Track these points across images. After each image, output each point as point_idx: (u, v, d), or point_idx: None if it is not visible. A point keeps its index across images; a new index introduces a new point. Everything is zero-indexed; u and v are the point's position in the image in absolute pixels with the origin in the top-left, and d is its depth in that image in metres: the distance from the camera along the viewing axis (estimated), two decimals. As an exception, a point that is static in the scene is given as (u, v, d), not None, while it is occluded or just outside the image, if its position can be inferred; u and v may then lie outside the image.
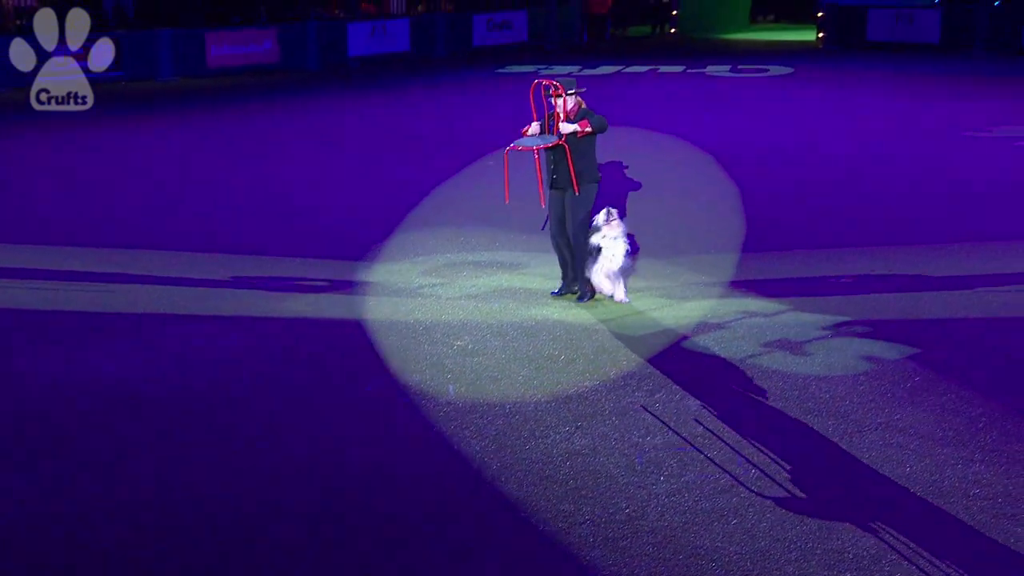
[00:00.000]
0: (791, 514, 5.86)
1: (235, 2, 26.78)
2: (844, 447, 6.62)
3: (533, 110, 9.27)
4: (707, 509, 5.93)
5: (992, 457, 6.46)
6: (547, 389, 7.50)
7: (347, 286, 9.81)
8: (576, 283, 9.30)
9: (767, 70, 24.33)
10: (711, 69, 24.59)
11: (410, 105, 20.60)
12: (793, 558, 5.47)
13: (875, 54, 26.54)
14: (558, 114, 9.03)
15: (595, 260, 9.10)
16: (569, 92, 9.02)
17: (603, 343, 8.34)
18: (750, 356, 8.02)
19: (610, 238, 9.03)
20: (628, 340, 8.37)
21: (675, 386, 7.51)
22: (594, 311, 9.01)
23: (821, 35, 28.85)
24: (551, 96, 9.06)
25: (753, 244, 10.86)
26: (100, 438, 6.86)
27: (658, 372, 7.76)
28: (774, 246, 10.79)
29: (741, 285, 9.60)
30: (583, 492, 6.13)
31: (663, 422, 6.97)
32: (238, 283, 9.92)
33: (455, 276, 10.04)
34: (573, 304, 9.17)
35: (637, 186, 12.82)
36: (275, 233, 11.67)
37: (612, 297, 9.16)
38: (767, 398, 7.32)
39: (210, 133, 17.84)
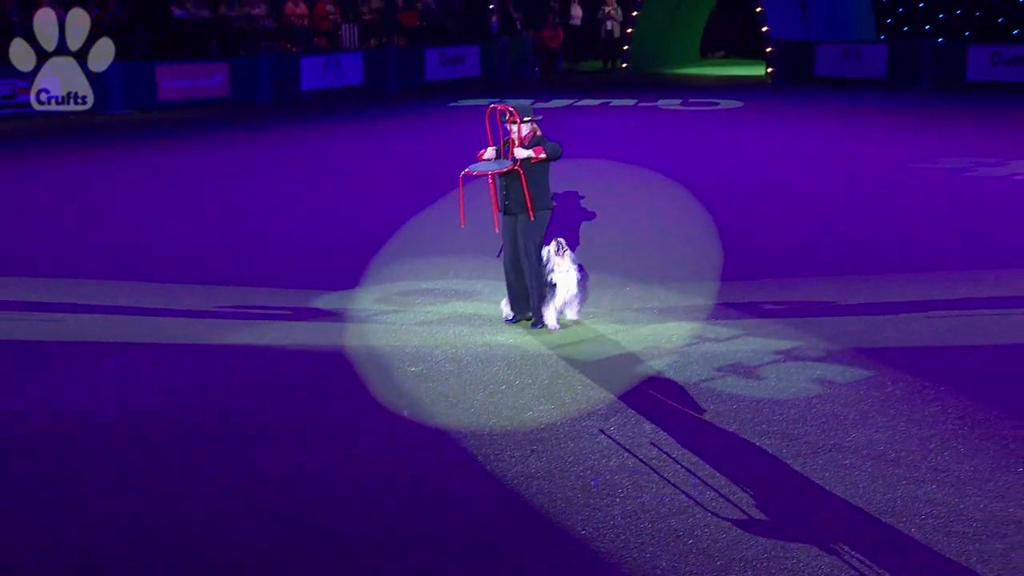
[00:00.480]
0: (746, 534, 5.89)
1: (186, 37, 26.72)
2: (797, 468, 6.66)
3: (489, 135, 9.29)
4: (663, 530, 5.94)
5: (942, 477, 6.53)
6: (502, 414, 7.50)
7: (300, 314, 9.77)
8: (528, 309, 9.32)
9: (718, 103, 24.58)
10: (663, 103, 24.80)
11: (364, 136, 20.62)
12: (748, 577, 5.50)
13: (824, 88, 26.89)
14: (513, 140, 9.06)
15: (552, 296, 9.11)
16: (524, 119, 9.05)
17: (557, 369, 8.35)
18: (704, 380, 8.06)
19: (562, 271, 9.06)
20: (582, 365, 8.39)
21: (630, 410, 7.54)
22: (548, 338, 9.02)
23: (770, 70, 29.18)
24: (506, 122, 9.08)
25: (706, 272, 10.92)
26: (46, 465, 6.78)
27: (613, 396, 7.78)
28: (727, 274, 10.86)
29: (694, 311, 9.65)
30: (539, 514, 6.12)
31: (619, 445, 6.98)
32: (191, 312, 9.85)
33: (409, 303, 10.03)
34: (527, 331, 9.18)
35: (591, 215, 12.88)
36: (229, 262, 11.62)
37: (559, 326, 9.16)
38: (721, 421, 7.36)
39: (161, 164, 17.75)
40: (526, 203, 8.97)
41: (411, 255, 11.68)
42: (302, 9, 28.72)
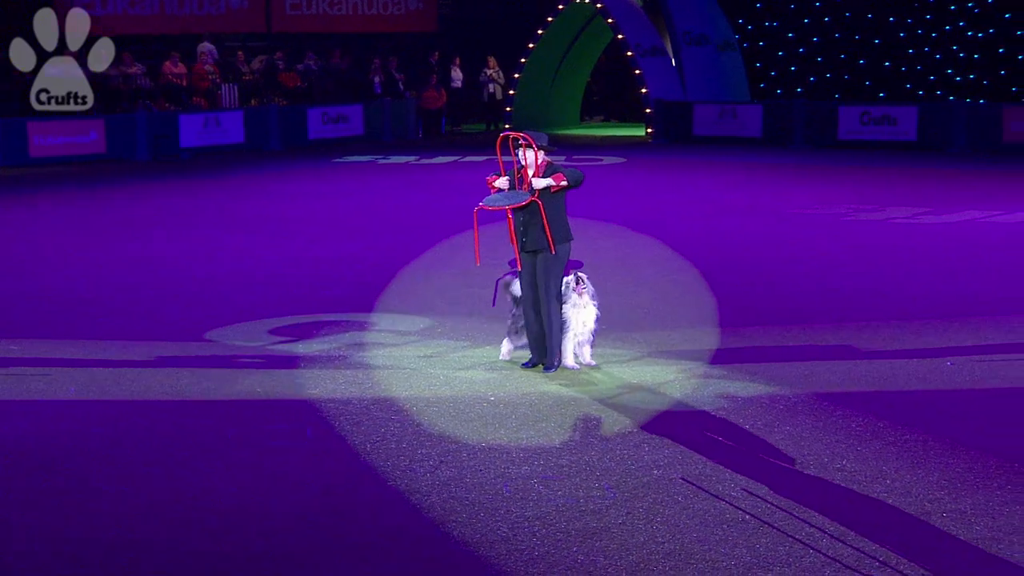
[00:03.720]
0: (662, 530, 5.86)
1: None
2: (705, 471, 6.66)
3: (500, 164, 8.69)
4: (579, 528, 5.89)
5: (849, 477, 6.60)
6: (408, 429, 7.40)
7: (195, 348, 9.54)
8: (547, 353, 8.60)
9: (601, 160, 24.87)
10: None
11: (246, 191, 20.36)
12: (666, 568, 5.45)
13: (702, 147, 27.46)
14: (526, 169, 8.40)
15: (566, 331, 8.55)
16: (540, 146, 8.35)
17: (462, 389, 8.27)
18: (611, 397, 8.05)
19: (580, 306, 8.54)
20: (485, 384, 8.34)
21: (537, 424, 7.50)
22: (453, 363, 8.92)
23: (650, 130, 29.72)
24: (519, 147, 8.39)
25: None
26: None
27: (518, 412, 7.74)
28: (625, 323, 10.89)
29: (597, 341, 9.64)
30: (455, 519, 6.02)
31: (528, 454, 6.92)
32: (79, 362, 9.56)
33: (310, 332, 9.83)
34: (431, 356, 9.06)
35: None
36: (123, 309, 11.33)
37: (579, 367, 8.64)
38: (628, 430, 7.35)
39: (31, 219, 17.27)
40: (547, 238, 8.34)
41: (309, 291, 11.50)
42: (180, 68, 28.44)
